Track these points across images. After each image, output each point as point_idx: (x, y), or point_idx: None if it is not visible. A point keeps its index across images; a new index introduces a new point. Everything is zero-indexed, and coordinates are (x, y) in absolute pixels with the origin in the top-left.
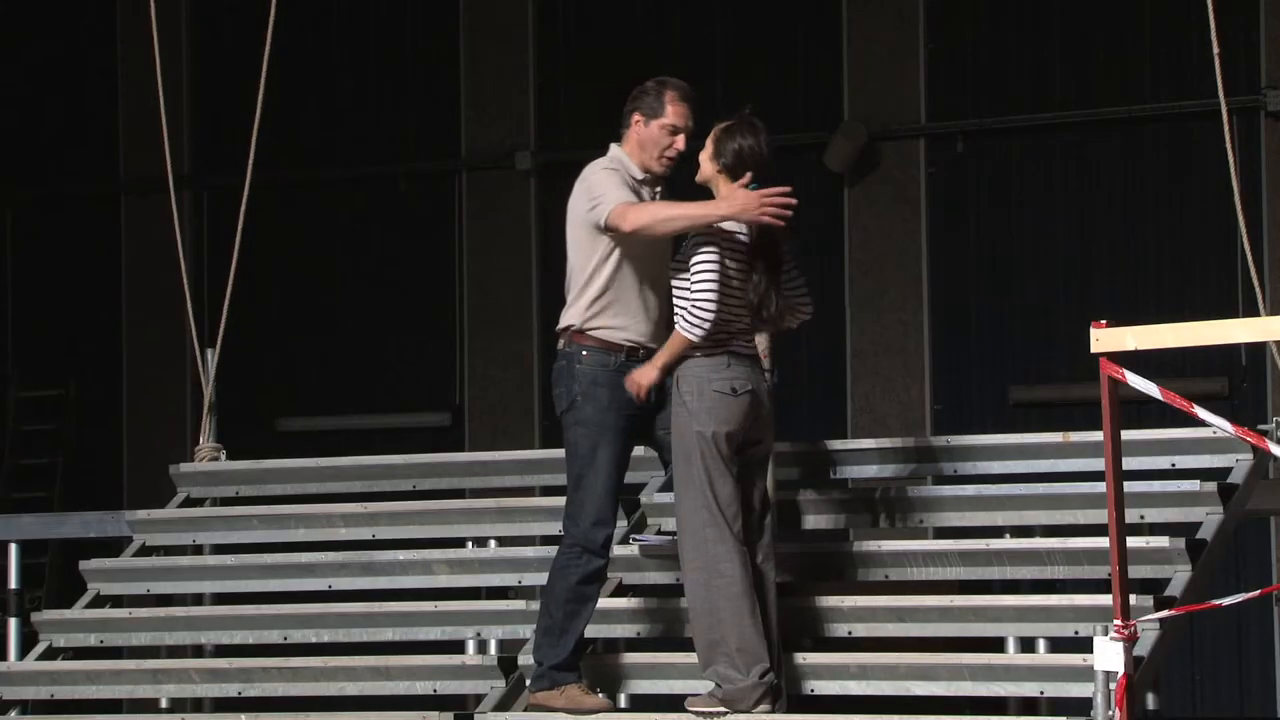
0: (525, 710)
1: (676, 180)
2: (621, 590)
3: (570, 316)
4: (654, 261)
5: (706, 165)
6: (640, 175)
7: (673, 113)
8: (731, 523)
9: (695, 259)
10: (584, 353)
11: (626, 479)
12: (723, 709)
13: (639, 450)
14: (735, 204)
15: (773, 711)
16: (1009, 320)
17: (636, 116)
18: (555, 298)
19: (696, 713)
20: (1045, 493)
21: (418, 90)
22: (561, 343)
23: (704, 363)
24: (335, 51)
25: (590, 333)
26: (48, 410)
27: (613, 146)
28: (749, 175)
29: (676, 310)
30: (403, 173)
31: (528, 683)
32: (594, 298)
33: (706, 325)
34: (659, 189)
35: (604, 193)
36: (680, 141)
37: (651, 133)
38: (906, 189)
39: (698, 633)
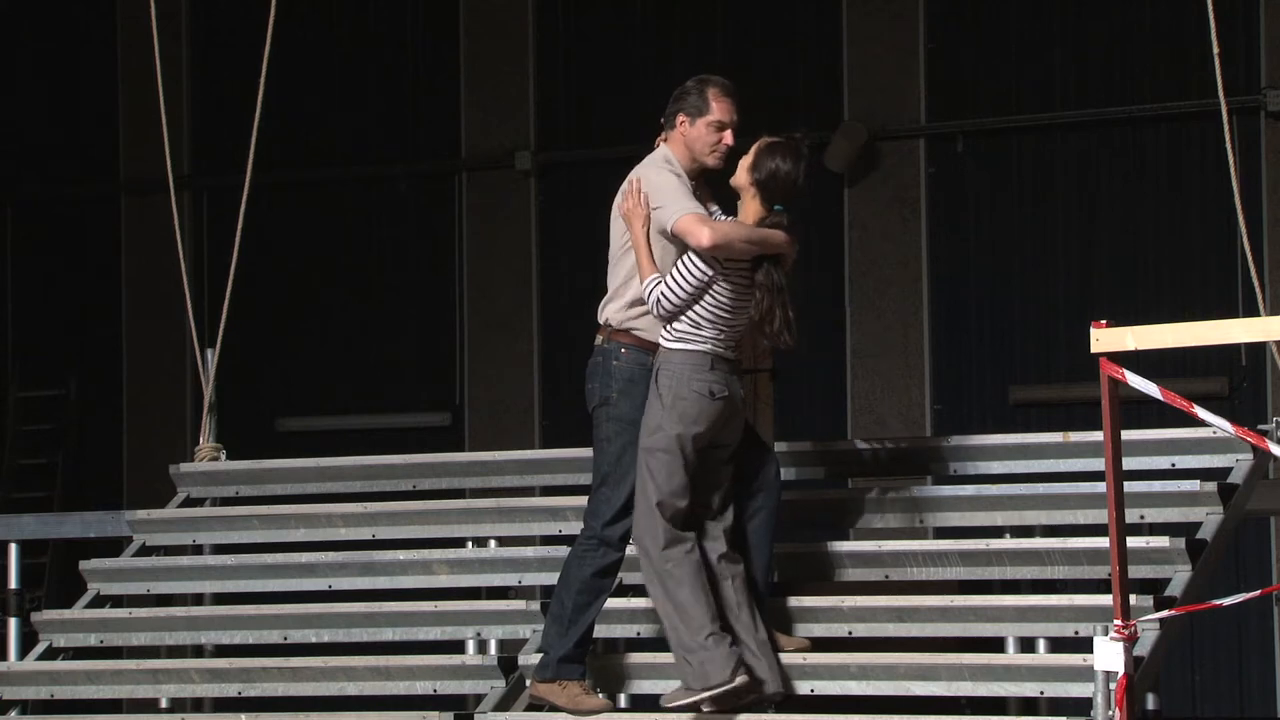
0: (525, 710)
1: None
2: (621, 590)
3: (609, 313)
4: None
5: (742, 174)
6: (688, 179)
7: (718, 108)
8: (677, 518)
9: (691, 263)
10: (622, 350)
11: None
12: (702, 692)
13: None
14: (783, 240)
15: (751, 682)
16: (1009, 320)
17: (681, 117)
18: (555, 298)
19: (674, 708)
20: (1045, 493)
21: (418, 90)
22: (600, 339)
23: (688, 360)
24: (335, 51)
25: (630, 331)
26: (48, 410)
27: (662, 146)
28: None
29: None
30: (403, 173)
31: (532, 673)
32: (635, 298)
33: (660, 314)
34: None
35: (670, 198)
36: (729, 136)
37: (699, 131)
38: (906, 189)
39: (663, 622)
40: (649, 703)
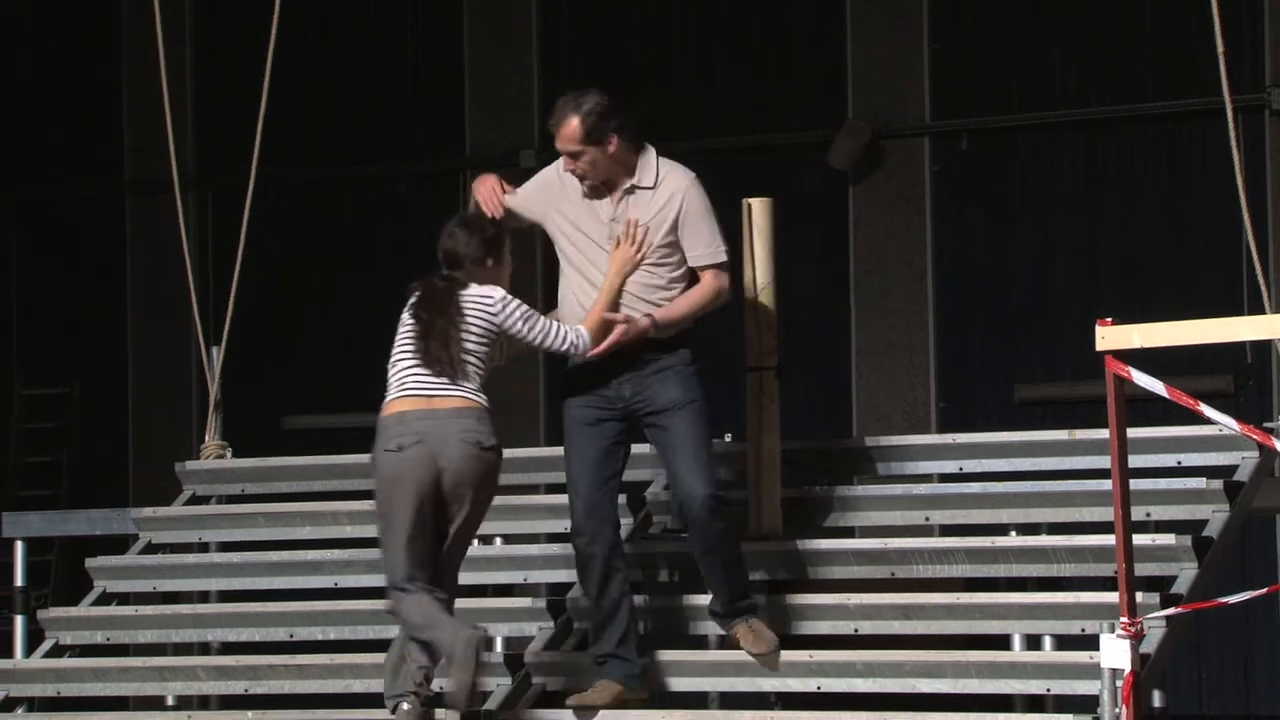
0: (531, 708)
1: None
2: None
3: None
4: (586, 265)
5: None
6: (569, 178)
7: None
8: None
9: None
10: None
11: (629, 476)
12: None
13: (641, 448)
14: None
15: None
16: (1014, 318)
17: None
18: (556, 297)
19: None
20: (1051, 490)
21: (420, 90)
22: None
23: (379, 425)
24: (338, 51)
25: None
26: (53, 408)
27: None
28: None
29: None
30: (405, 172)
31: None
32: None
33: None
34: (624, 196)
35: None
36: (565, 162)
37: None
38: (911, 187)
39: None
40: (649, 702)
